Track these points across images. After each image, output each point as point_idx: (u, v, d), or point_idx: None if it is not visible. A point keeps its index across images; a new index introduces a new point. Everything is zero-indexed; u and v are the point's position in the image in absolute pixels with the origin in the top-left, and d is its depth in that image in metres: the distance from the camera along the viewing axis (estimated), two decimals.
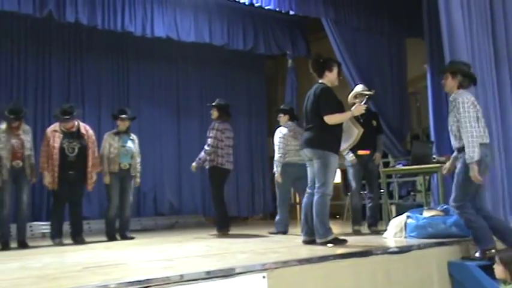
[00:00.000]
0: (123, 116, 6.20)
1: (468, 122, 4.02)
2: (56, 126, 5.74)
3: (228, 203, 9.42)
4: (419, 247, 4.08)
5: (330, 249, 4.01)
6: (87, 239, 5.78)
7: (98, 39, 8.51)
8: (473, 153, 3.95)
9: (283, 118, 6.19)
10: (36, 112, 7.94)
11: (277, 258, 3.51)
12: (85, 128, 5.86)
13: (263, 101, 10.67)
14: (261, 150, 10.50)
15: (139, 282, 2.79)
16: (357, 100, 5.55)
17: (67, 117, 5.67)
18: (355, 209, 5.75)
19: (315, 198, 4.43)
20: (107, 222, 6.08)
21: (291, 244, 4.65)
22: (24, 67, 8.04)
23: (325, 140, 4.43)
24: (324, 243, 4.33)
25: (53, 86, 8.25)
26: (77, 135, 5.74)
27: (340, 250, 3.94)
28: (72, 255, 4.47)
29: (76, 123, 5.80)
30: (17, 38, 8.00)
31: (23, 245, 5.39)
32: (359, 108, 4.55)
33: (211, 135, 6.07)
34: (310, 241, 4.51)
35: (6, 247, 5.32)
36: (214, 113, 6.27)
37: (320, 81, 4.61)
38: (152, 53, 9.09)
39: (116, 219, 6.07)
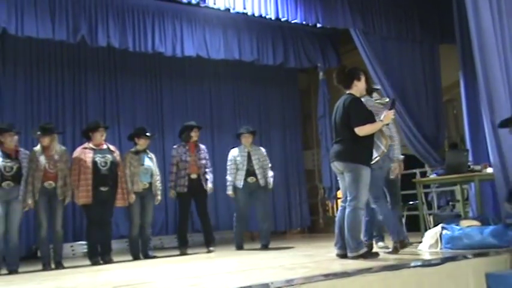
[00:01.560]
0: (148, 134, 6.32)
1: None
2: (84, 144, 5.93)
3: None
4: (454, 259, 3.94)
5: (360, 264, 3.92)
6: (124, 258, 5.88)
7: (131, 61, 8.70)
8: None
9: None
10: (75, 136, 8.15)
11: (304, 274, 3.47)
12: (113, 147, 6.05)
13: (297, 114, 10.64)
14: (296, 163, 10.44)
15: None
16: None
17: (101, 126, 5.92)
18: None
19: (347, 211, 4.35)
20: (130, 242, 6.19)
21: (322, 259, 4.58)
22: (61, 92, 8.28)
23: (356, 152, 4.36)
24: (356, 257, 4.25)
25: (89, 108, 8.47)
26: (108, 151, 5.90)
27: (370, 264, 3.85)
28: (104, 274, 4.54)
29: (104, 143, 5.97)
30: (53, 64, 8.25)
31: (59, 265, 5.51)
32: (388, 116, 4.44)
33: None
34: (343, 255, 4.42)
35: (47, 268, 5.45)
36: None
37: (348, 92, 4.53)
38: (184, 72, 9.24)
39: (138, 239, 6.14)
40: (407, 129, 7.41)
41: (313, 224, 10.40)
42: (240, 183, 6.46)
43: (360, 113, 4.37)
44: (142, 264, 5.40)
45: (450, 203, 7.23)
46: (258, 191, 6.55)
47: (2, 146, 5.41)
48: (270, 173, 6.68)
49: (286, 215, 10.06)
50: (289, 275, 3.48)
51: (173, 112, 9.15)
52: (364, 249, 4.32)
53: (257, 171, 6.51)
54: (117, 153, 6.05)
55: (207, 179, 6.54)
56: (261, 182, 6.54)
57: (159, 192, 6.32)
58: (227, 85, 9.76)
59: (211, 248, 6.43)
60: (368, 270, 3.57)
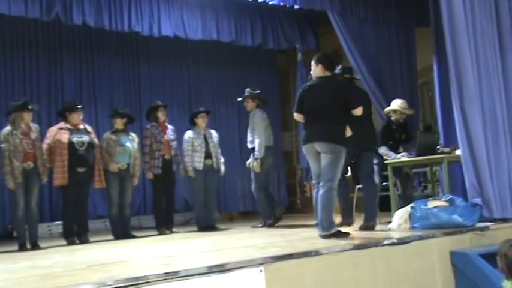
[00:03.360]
0: (122, 113, 6.37)
1: None
2: (60, 124, 5.91)
3: (243, 197, 9.75)
4: (421, 237, 4.11)
5: (330, 243, 4.06)
6: (102, 237, 5.93)
7: (108, 41, 8.67)
8: None
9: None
10: (50, 116, 8.11)
11: (275, 252, 3.59)
12: (90, 128, 6.06)
13: (276, 95, 10.69)
14: (274, 144, 10.51)
15: (136, 278, 2.88)
16: (395, 115, 6.10)
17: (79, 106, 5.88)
18: None
19: (321, 192, 4.48)
20: (110, 222, 6.28)
21: (294, 238, 4.72)
22: (36, 71, 8.23)
23: (340, 134, 4.51)
24: (328, 237, 4.40)
25: (65, 88, 8.43)
26: (85, 131, 5.92)
27: (340, 243, 4.00)
28: (81, 254, 4.62)
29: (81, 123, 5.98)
30: (28, 43, 8.18)
31: (34, 246, 5.53)
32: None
33: None
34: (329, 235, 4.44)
35: (23, 248, 5.47)
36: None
37: (324, 74, 4.66)
38: (162, 52, 9.20)
39: (118, 218, 6.20)
40: (381, 111, 7.54)
41: (291, 205, 10.57)
42: (199, 165, 6.54)
43: (356, 95, 4.66)
44: (120, 244, 5.47)
45: (422, 184, 7.44)
46: (212, 174, 6.68)
47: None
48: (222, 158, 6.87)
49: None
50: (261, 253, 3.60)
51: (151, 92, 9.12)
52: (335, 229, 4.47)
53: (213, 154, 6.65)
54: (93, 134, 6.07)
55: (178, 162, 6.62)
56: (215, 165, 6.68)
57: (137, 174, 6.37)
58: (206, 66, 9.77)
59: (171, 230, 6.55)
60: (336, 249, 3.70)
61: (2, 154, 5.52)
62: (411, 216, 4.75)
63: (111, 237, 6.15)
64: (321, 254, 3.59)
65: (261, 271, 3.27)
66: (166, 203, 6.59)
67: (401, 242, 3.95)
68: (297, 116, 4.76)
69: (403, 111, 6.13)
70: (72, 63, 8.56)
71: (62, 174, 5.71)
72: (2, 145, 5.51)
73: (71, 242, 5.73)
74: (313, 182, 4.78)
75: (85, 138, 5.87)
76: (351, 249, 3.73)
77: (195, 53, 9.48)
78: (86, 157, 5.83)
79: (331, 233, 4.42)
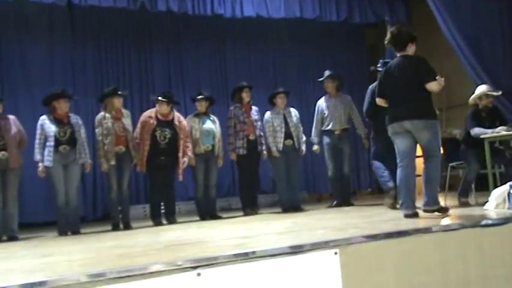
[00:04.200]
0: (200, 97, 6.37)
1: None
2: (152, 112, 6.03)
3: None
4: None
5: (414, 224, 3.78)
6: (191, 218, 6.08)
7: (194, 26, 8.74)
8: None
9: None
10: (142, 103, 8.38)
11: (353, 234, 3.40)
12: (179, 119, 6.09)
13: (364, 72, 10.27)
14: (364, 123, 10.14)
15: (206, 259, 2.83)
16: (482, 101, 5.61)
17: (165, 100, 5.94)
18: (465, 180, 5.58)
19: (433, 165, 4.37)
20: (196, 203, 6.34)
21: (378, 219, 4.48)
22: (128, 60, 8.51)
23: (431, 108, 4.43)
24: (434, 211, 4.30)
25: (155, 75, 8.67)
26: (171, 124, 5.99)
27: (426, 224, 3.71)
28: (164, 234, 4.70)
29: (172, 112, 6.05)
30: (120, 33, 8.48)
31: (127, 226, 5.77)
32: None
33: None
34: (412, 214, 4.33)
35: (116, 229, 5.73)
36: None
37: (403, 54, 4.50)
38: (247, 34, 9.17)
39: (204, 200, 6.26)
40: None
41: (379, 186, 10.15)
42: (280, 146, 6.45)
43: (432, 69, 4.41)
44: (204, 225, 5.53)
45: None
46: (294, 154, 6.57)
47: (55, 112, 5.63)
48: (303, 137, 6.72)
49: (355, 176, 9.90)
50: (337, 235, 3.41)
51: (237, 75, 9.09)
52: (440, 205, 4.36)
53: (293, 134, 6.53)
54: (181, 126, 6.08)
55: (262, 142, 6.55)
56: (296, 144, 6.57)
57: (221, 155, 6.40)
58: (290, 45, 9.57)
59: (256, 211, 6.50)
60: (424, 230, 3.43)
61: (96, 138, 5.79)
62: (510, 195, 4.30)
63: (198, 218, 6.24)
64: (404, 236, 3.33)
65: (335, 253, 3.11)
66: (252, 184, 6.55)
67: (497, 223, 3.57)
68: (379, 101, 4.70)
69: (490, 94, 5.58)
70: (161, 50, 8.77)
71: (142, 162, 5.88)
72: (96, 130, 5.79)
73: (157, 223, 5.89)
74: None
75: (167, 133, 5.93)
76: (439, 230, 3.44)
77: (279, 33, 9.33)
78: (167, 150, 5.92)
79: (438, 207, 4.32)
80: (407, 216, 4.31)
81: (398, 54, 4.55)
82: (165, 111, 5.98)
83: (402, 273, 3.24)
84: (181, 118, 6.16)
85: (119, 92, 5.87)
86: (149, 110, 6.12)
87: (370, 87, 6.02)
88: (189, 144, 6.10)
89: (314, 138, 6.77)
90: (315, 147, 6.74)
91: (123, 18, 8.35)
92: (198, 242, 3.77)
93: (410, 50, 4.51)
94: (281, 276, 2.95)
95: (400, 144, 4.47)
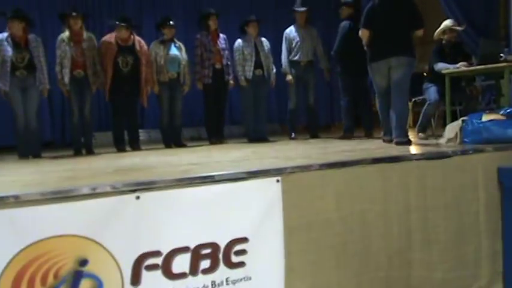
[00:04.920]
0: (171, 23, 6.17)
1: None
2: (111, 37, 5.85)
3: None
4: (465, 152, 3.75)
5: (358, 155, 3.83)
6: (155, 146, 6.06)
7: None
8: None
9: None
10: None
11: (298, 163, 3.43)
12: (140, 44, 5.93)
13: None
14: None
15: (144, 183, 2.85)
16: (445, 36, 5.65)
17: (123, 24, 5.75)
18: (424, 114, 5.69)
19: (403, 100, 4.69)
20: (161, 131, 6.32)
21: (334, 150, 4.52)
22: None
23: (414, 47, 4.69)
24: (403, 143, 4.60)
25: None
26: (132, 50, 5.83)
27: (368, 155, 3.76)
28: (121, 160, 4.71)
29: (132, 37, 5.88)
30: None
31: (89, 152, 5.78)
32: None
33: None
34: (390, 140, 4.85)
35: (78, 154, 5.73)
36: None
37: None
38: None
39: (169, 127, 6.25)
40: (451, 15, 6.83)
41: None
42: (249, 75, 6.37)
43: (422, 16, 4.72)
44: (166, 152, 5.54)
45: (493, 99, 6.82)
46: (263, 84, 6.51)
47: (12, 33, 5.42)
48: (274, 69, 6.67)
49: (328, 108, 9.92)
50: (285, 163, 3.44)
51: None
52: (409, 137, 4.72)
53: (263, 64, 6.45)
54: (143, 51, 5.96)
55: (229, 72, 6.46)
56: (266, 74, 6.51)
57: (188, 82, 6.31)
58: None
59: (222, 141, 6.54)
60: (364, 161, 3.46)
61: (56, 61, 5.68)
62: (462, 130, 4.34)
63: (163, 146, 6.25)
64: (346, 166, 3.37)
65: (277, 181, 3.15)
66: (218, 113, 6.52)
67: (440, 156, 3.62)
68: (363, 33, 4.84)
69: (454, 29, 5.53)
70: None
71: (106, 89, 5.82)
72: (57, 51, 5.67)
73: (120, 149, 5.92)
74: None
75: (129, 58, 5.81)
76: (382, 161, 3.48)
77: None
78: (130, 77, 5.83)
79: (406, 140, 4.65)
80: (385, 141, 4.92)
81: None
82: (125, 35, 5.82)
83: (343, 201, 3.31)
84: (142, 43, 6.02)
85: (74, 14, 5.65)
86: (108, 35, 5.96)
87: (343, 24, 5.94)
88: (152, 71, 5.99)
89: (286, 67, 6.65)
90: (289, 77, 6.64)
91: None
92: (148, 168, 3.78)
93: None
94: (220, 203, 2.99)
95: (380, 80, 4.81)
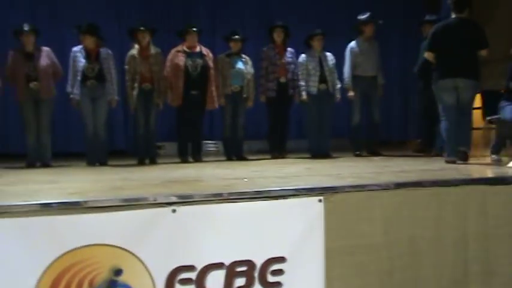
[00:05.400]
0: (236, 37, 6.21)
1: None
2: (178, 47, 6.03)
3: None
4: None
5: (414, 176, 3.61)
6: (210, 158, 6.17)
7: None
8: None
9: None
10: None
11: (347, 182, 3.29)
12: (206, 51, 6.05)
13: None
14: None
15: (181, 196, 2.84)
16: None
17: (194, 29, 5.97)
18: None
19: (468, 119, 4.91)
20: (223, 143, 6.40)
21: (391, 169, 4.31)
22: None
23: (480, 71, 4.91)
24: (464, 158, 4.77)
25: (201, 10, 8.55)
26: (200, 55, 5.96)
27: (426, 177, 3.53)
28: (176, 171, 4.77)
29: (199, 45, 6.04)
30: None
31: (153, 162, 5.93)
32: None
33: None
34: (453, 161, 4.83)
35: (142, 163, 5.88)
36: None
37: (461, 15, 4.92)
38: None
39: (231, 140, 6.29)
40: None
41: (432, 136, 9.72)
42: (313, 90, 6.27)
43: (486, 37, 4.88)
44: (224, 165, 5.56)
45: None
46: (327, 99, 6.38)
47: (85, 46, 5.72)
48: (338, 84, 6.48)
49: (402, 124, 9.57)
50: (334, 183, 3.31)
51: (282, 13, 8.79)
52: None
53: (328, 78, 6.30)
54: (209, 57, 6.10)
55: (294, 86, 6.38)
56: (330, 89, 6.35)
57: (251, 96, 6.32)
58: None
59: (284, 155, 6.44)
60: (416, 184, 3.25)
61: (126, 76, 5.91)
62: None
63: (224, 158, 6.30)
64: (397, 188, 3.18)
65: (320, 201, 3.03)
66: (280, 127, 6.47)
67: (503, 181, 3.33)
68: (429, 55, 5.08)
69: None
70: None
71: (177, 96, 5.92)
72: (126, 67, 5.90)
73: (183, 160, 6.01)
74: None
75: (198, 62, 5.92)
76: (437, 185, 3.25)
77: None
78: (199, 81, 5.91)
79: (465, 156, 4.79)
80: (448, 162, 4.82)
81: (455, 15, 4.92)
82: (194, 42, 5.96)
83: (392, 225, 3.12)
84: (208, 51, 6.12)
85: (142, 28, 5.84)
86: (175, 47, 6.10)
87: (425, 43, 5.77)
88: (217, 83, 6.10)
89: (349, 82, 6.47)
90: (351, 92, 6.49)
91: None
92: (195, 180, 3.80)
93: (467, 12, 4.90)
94: (258, 220, 2.92)
95: (447, 98, 4.88)
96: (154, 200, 2.80)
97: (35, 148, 5.73)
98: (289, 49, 6.48)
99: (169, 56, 6.03)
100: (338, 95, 6.46)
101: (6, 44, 6.04)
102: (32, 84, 5.60)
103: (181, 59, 5.91)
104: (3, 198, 2.88)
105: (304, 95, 6.29)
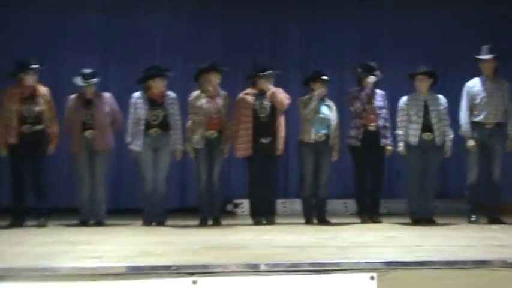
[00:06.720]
0: (325, 77, 6.36)
1: None
2: (247, 90, 6.30)
3: None
4: None
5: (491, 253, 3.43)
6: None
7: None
8: None
9: None
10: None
11: (410, 257, 3.23)
12: (273, 91, 6.23)
13: None
14: None
15: (200, 267, 2.96)
16: None
17: (265, 73, 6.21)
18: None
19: None
20: (302, 203, 6.43)
21: (496, 243, 4.14)
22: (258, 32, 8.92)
23: None
24: None
25: (289, 51, 8.91)
26: (266, 95, 6.19)
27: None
28: (230, 236, 4.93)
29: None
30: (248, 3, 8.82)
31: (216, 222, 6.09)
32: None
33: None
34: None
35: (203, 224, 6.05)
36: None
37: None
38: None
39: (312, 199, 6.32)
40: None
41: None
42: (414, 140, 6.16)
43: None
44: (293, 229, 5.62)
45: None
46: (434, 152, 6.23)
47: (150, 91, 6.10)
48: (451, 134, 6.28)
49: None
50: (384, 257, 3.26)
51: (391, 51, 8.83)
52: None
53: (434, 126, 6.14)
54: (276, 95, 6.21)
55: (386, 135, 6.37)
56: (438, 140, 6.16)
57: (336, 147, 6.35)
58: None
59: (374, 219, 6.32)
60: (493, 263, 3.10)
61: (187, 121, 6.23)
62: None
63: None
64: (464, 268, 3.05)
65: (372, 278, 3.01)
66: (371, 184, 6.42)
67: None
68: None
69: None
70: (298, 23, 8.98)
71: (245, 145, 6.14)
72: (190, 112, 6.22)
73: (256, 222, 6.12)
74: None
75: (265, 102, 6.14)
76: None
77: None
78: (267, 125, 6.10)
79: None
80: None
81: None
82: (266, 86, 6.20)
83: None
84: (276, 91, 6.27)
85: (217, 68, 6.15)
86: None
87: None
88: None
89: (467, 129, 6.21)
90: (471, 142, 6.18)
91: None
92: (239, 248, 3.91)
93: None
94: None
95: None
96: (173, 269, 2.97)
97: (88, 204, 6.15)
98: (378, 91, 6.47)
99: (237, 99, 6.33)
100: (448, 148, 6.26)
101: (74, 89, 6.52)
102: (88, 133, 6.08)
103: (249, 101, 6.17)
104: (17, 261, 3.23)
105: (402, 146, 6.22)
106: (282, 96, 6.24)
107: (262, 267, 2.99)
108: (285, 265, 3.04)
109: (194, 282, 2.93)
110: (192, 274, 2.95)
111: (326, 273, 3.00)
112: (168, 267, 2.96)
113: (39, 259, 3.30)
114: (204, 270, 2.94)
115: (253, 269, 2.98)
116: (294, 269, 3.01)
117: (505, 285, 3.02)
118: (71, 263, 3.13)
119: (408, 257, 3.27)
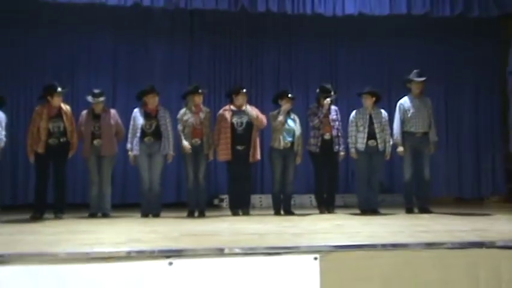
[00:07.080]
0: (291, 96, 6.41)
1: None
2: (226, 106, 6.35)
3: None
4: None
5: (427, 236, 3.44)
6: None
7: (305, 26, 8.72)
8: None
9: None
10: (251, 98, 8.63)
11: (357, 241, 3.24)
12: (250, 107, 6.32)
13: (495, 70, 9.16)
14: (491, 125, 9.16)
15: (176, 250, 2.97)
16: None
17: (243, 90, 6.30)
18: None
19: None
20: (272, 197, 6.44)
21: (421, 229, 4.13)
22: (240, 58, 8.83)
23: None
24: None
25: (265, 72, 8.88)
26: (244, 112, 6.24)
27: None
28: (207, 225, 4.89)
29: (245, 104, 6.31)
30: (234, 33, 8.80)
31: (201, 214, 6.11)
32: None
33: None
34: None
35: (191, 216, 6.09)
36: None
37: None
38: (359, 31, 8.80)
39: (280, 194, 6.32)
40: None
41: (509, 192, 9.08)
42: (361, 146, 6.24)
43: None
44: (264, 219, 5.60)
45: None
46: (377, 156, 6.33)
47: (146, 106, 6.16)
48: (390, 141, 6.37)
49: (475, 181, 9.02)
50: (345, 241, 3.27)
51: (348, 72, 8.89)
52: None
53: (378, 135, 6.25)
54: (254, 111, 6.30)
55: (339, 143, 6.40)
56: (380, 146, 6.27)
57: (300, 153, 6.38)
58: (409, 41, 8.90)
59: (331, 211, 6.36)
60: (421, 245, 3.11)
61: (178, 134, 6.25)
62: None
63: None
64: (398, 249, 3.07)
65: (315, 259, 3.01)
66: (328, 182, 6.45)
67: None
68: None
69: None
70: (272, 49, 8.91)
71: (225, 151, 6.15)
72: (178, 126, 6.23)
73: (234, 213, 6.16)
74: None
75: (243, 118, 6.17)
76: (440, 246, 3.09)
77: (397, 28, 8.68)
78: (244, 137, 6.15)
79: None
80: None
81: None
82: (241, 102, 6.24)
83: (391, 287, 3.00)
84: (253, 107, 6.38)
85: (200, 90, 6.25)
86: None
87: None
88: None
89: (398, 138, 6.34)
90: (400, 148, 6.34)
91: (238, 18, 8.55)
92: (213, 235, 3.90)
93: None
94: (252, 277, 2.96)
95: None
96: (153, 253, 2.96)
97: (97, 199, 6.18)
98: (333, 107, 6.54)
99: (217, 116, 6.37)
100: (388, 153, 6.37)
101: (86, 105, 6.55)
102: (96, 142, 6.14)
103: (228, 117, 6.18)
104: (29, 247, 3.21)
105: (353, 152, 6.32)
106: (262, 117, 6.33)
107: (226, 251, 3.01)
108: (244, 249, 3.05)
109: (170, 264, 2.94)
110: (169, 257, 2.95)
111: (277, 255, 3.02)
112: (149, 252, 2.97)
113: (45, 246, 3.28)
114: (178, 254, 2.95)
115: (218, 252, 2.99)
116: (252, 252, 3.02)
117: (418, 262, 3.04)
118: (69, 249, 3.12)
119: (347, 241, 3.29)
